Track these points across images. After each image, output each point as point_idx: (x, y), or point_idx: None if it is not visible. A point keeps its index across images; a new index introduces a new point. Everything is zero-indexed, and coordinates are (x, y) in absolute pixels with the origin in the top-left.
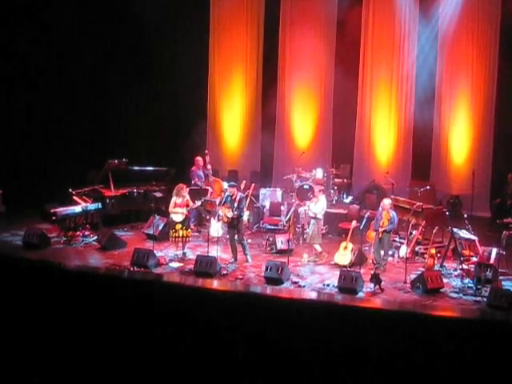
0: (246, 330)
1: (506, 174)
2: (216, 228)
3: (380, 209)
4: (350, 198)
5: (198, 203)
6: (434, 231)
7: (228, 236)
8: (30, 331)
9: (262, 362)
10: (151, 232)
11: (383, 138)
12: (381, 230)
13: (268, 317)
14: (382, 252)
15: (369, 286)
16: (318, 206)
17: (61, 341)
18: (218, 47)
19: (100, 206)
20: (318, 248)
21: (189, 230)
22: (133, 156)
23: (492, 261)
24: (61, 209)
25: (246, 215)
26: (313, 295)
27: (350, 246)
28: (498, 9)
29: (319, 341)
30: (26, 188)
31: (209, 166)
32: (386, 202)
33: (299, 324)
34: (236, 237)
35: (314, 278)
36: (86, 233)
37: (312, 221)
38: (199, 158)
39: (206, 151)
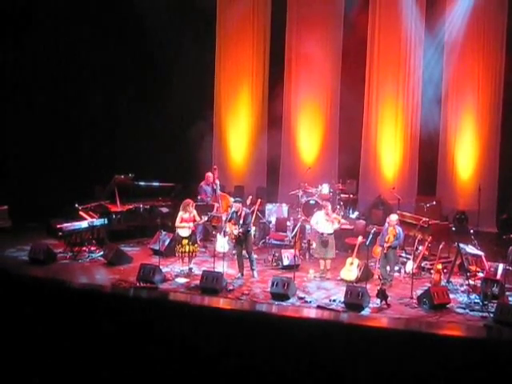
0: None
1: None
2: (222, 243)
3: (386, 224)
4: (356, 213)
5: (205, 218)
6: (441, 246)
7: (235, 251)
8: (35, 346)
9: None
10: (157, 247)
11: (389, 153)
12: (386, 245)
13: (273, 336)
14: (388, 267)
15: (375, 302)
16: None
17: (65, 355)
18: (223, 62)
19: (106, 222)
20: (328, 264)
21: (195, 245)
22: (139, 171)
23: (499, 276)
24: (67, 224)
25: (252, 230)
26: (319, 313)
27: (356, 261)
28: (504, 23)
29: (325, 360)
30: (32, 203)
31: (217, 181)
32: (393, 217)
33: (304, 343)
34: (244, 252)
35: (320, 293)
36: (92, 248)
37: (331, 236)
38: (209, 174)
39: (215, 166)
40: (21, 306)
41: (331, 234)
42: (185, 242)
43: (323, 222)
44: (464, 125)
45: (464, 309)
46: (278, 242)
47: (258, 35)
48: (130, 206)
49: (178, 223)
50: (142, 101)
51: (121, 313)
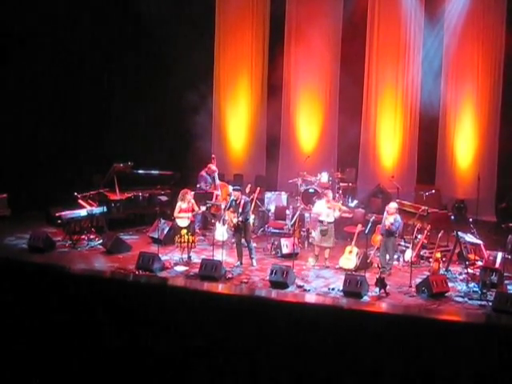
0: (248, 334)
1: None
2: (221, 232)
3: (385, 213)
4: (355, 201)
5: (203, 208)
6: (440, 235)
7: (234, 240)
8: (34, 335)
9: (265, 367)
10: (156, 236)
11: (388, 141)
12: (387, 223)
13: (273, 321)
14: (388, 256)
15: (374, 290)
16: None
17: (64, 344)
18: (223, 53)
19: (105, 210)
20: (327, 253)
21: (194, 236)
22: (138, 159)
23: (497, 265)
24: (66, 212)
25: (251, 219)
26: (317, 299)
27: (355, 250)
28: (504, 13)
29: (323, 346)
30: (31, 191)
31: (215, 169)
32: (392, 205)
33: (303, 328)
34: (243, 240)
35: (318, 281)
36: (91, 236)
37: (331, 224)
38: (212, 166)
39: (213, 155)
40: (20, 294)
41: (331, 222)
42: (183, 232)
43: (325, 211)
44: (463, 113)
45: (463, 297)
46: (277, 231)
47: (257, 24)
48: (129, 195)
49: (176, 213)
50: (141, 89)
51: (119, 300)
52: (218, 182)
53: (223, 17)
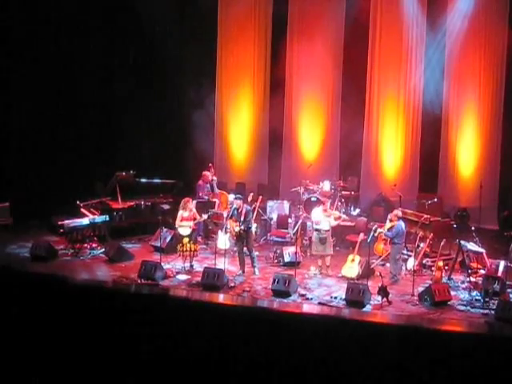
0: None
1: None
2: (223, 240)
3: (387, 221)
4: (358, 210)
5: (205, 216)
6: (442, 244)
7: (236, 248)
8: (36, 344)
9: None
10: (158, 244)
11: (391, 150)
12: (378, 230)
13: (274, 332)
14: (388, 264)
15: (376, 299)
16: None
17: (66, 353)
18: (225, 60)
19: (107, 219)
20: (328, 261)
21: (196, 244)
22: (140, 168)
23: (500, 273)
24: (68, 221)
25: (253, 227)
26: (320, 309)
27: (358, 258)
28: (505, 21)
29: (326, 356)
30: (34, 200)
31: (214, 178)
32: (394, 212)
33: (305, 339)
34: (245, 249)
35: (321, 290)
36: (94, 245)
37: (328, 232)
38: (207, 173)
39: (210, 164)
40: (22, 303)
41: (328, 230)
42: (185, 240)
43: (321, 218)
44: (465, 121)
45: (465, 306)
46: (280, 239)
47: (259, 29)
48: (132, 203)
49: (178, 222)
50: (143, 98)
51: (122, 309)
52: (216, 190)
53: (225, 23)
